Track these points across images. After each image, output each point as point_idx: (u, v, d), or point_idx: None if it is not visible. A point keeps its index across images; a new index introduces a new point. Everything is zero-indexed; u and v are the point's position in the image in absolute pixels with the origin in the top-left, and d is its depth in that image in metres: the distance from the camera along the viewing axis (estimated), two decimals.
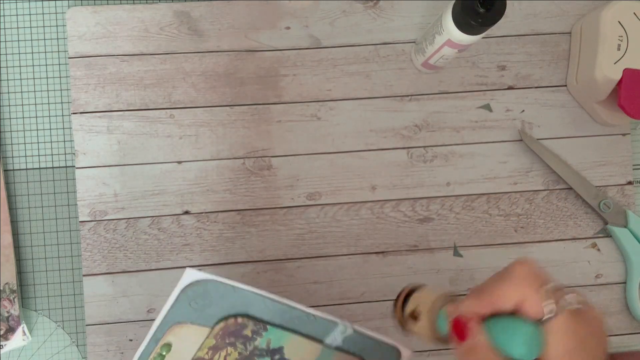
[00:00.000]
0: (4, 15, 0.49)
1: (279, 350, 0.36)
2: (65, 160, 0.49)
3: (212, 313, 0.36)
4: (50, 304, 0.48)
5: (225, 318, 0.36)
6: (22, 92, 0.48)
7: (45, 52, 0.49)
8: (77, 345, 0.48)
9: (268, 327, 0.36)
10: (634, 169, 0.51)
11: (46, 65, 0.49)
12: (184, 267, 0.47)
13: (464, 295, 0.35)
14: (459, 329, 0.33)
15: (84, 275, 0.47)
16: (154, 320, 0.47)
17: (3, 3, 0.49)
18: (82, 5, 0.49)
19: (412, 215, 0.49)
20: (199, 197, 0.48)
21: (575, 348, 0.31)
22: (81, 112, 0.48)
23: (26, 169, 0.48)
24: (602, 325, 0.33)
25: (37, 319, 0.48)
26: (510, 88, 0.50)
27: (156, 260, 0.48)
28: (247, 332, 0.36)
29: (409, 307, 0.38)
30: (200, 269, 0.35)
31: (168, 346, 0.36)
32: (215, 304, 0.36)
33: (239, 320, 0.36)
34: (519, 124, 0.50)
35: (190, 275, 0.35)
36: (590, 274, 0.50)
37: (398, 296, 0.39)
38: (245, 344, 0.36)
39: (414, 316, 0.37)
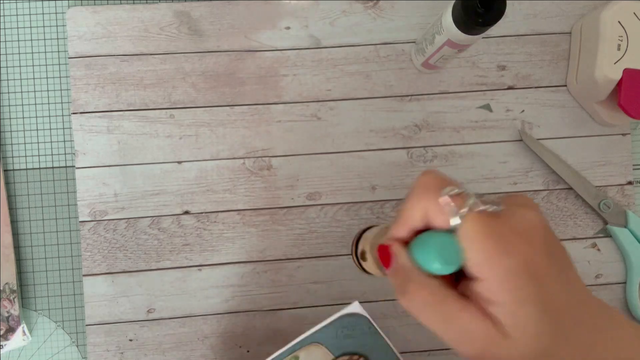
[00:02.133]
0: (4, 15, 0.49)
1: None
2: (65, 160, 0.49)
3: (345, 345, 0.38)
4: (50, 304, 0.48)
5: (351, 354, 0.38)
6: (22, 92, 0.48)
7: (45, 52, 0.49)
8: (77, 345, 0.48)
9: None
10: (634, 169, 0.51)
11: (46, 65, 0.49)
12: (184, 267, 0.48)
13: None
14: (383, 256, 0.32)
15: (84, 275, 0.47)
16: (154, 320, 0.47)
17: (3, 3, 0.49)
18: (82, 5, 0.49)
19: None
20: (199, 197, 0.48)
21: (496, 252, 0.28)
22: (81, 112, 0.48)
23: (26, 169, 0.48)
24: (535, 224, 0.29)
25: (37, 319, 0.48)
26: (510, 88, 0.50)
27: (156, 260, 0.48)
28: None
29: (360, 248, 0.38)
30: (361, 304, 0.39)
31: (296, 358, 0.38)
32: (352, 338, 0.38)
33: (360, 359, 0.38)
34: (519, 124, 0.50)
35: (355, 307, 0.39)
36: (590, 274, 0.50)
37: (352, 243, 0.39)
38: None
39: (363, 257, 0.37)
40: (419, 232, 0.31)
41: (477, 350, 0.29)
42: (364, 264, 0.37)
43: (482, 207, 0.28)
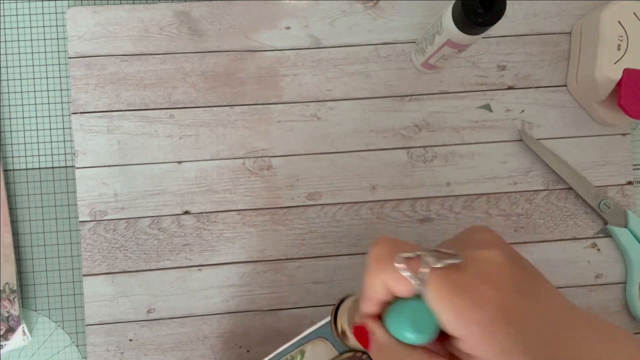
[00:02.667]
0: (4, 15, 0.49)
1: None
2: (65, 160, 0.49)
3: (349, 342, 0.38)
4: (50, 304, 0.48)
5: (355, 351, 0.38)
6: (22, 92, 0.48)
7: (45, 52, 0.49)
8: (77, 345, 0.48)
9: None
10: (634, 169, 0.51)
11: (46, 65, 0.49)
12: (184, 267, 0.48)
13: None
14: (361, 337, 0.31)
15: (84, 275, 0.47)
16: (154, 320, 0.47)
17: (3, 3, 0.49)
18: (82, 5, 0.49)
19: (412, 215, 0.49)
20: (199, 197, 0.48)
21: (466, 308, 0.27)
22: (81, 112, 0.48)
23: (26, 169, 0.48)
24: (497, 264, 0.28)
25: (37, 319, 0.48)
26: (510, 88, 0.50)
27: (156, 260, 0.48)
28: None
29: (338, 327, 0.38)
30: None
31: (302, 353, 0.38)
32: None
33: (363, 357, 0.38)
34: (519, 124, 0.50)
35: None
36: (590, 274, 0.50)
37: (330, 316, 0.38)
38: None
39: (344, 335, 0.37)
40: (390, 302, 0.30)
41: None
42: (347, 342, 0.36)
43: (440, 264, 0.27)
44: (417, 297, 0.28)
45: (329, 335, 0.38)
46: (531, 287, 0.29)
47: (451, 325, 0.27)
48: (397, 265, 0.28)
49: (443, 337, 0.29)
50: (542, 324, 0.28)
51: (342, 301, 0.37)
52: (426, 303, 0.28)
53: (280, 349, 0.39)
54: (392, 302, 0.30)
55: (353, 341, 0.36)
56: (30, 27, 0.49)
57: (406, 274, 0.28)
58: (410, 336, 0.29)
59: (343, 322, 0.36)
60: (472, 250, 0.29)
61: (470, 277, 0.27)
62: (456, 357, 0.29)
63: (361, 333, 0.31)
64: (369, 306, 0.30)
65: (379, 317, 0.31)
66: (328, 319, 0.38)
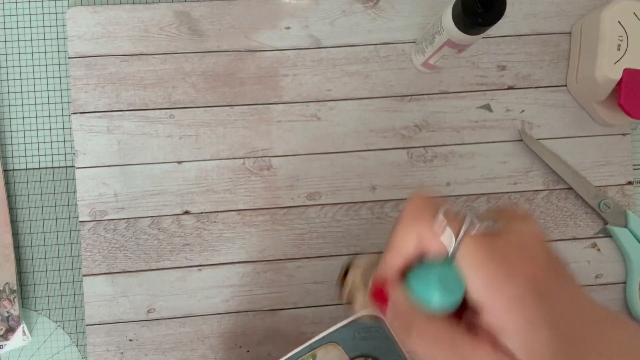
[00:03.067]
0: (4, 15, 0.49)
1: None
2: (65, 160, 0.49)
3: (360, 347, 0.38)
4: (50, 304, 0.48)
5: (366, 356, 0.38)
6: (22, 92, 0.48)
7: (45, 52, 0.49)
8: (77, 345, 0.48)
9: None
10: (634, 169, 0.51)
11: (46, 65, 0.49)
12: (184, 267, 0.48)
13: None
14: (378, 296, 0.30)
15: (84, 275, 0.47)
16: (154, 320, 0.47)
17: (3, 3, 0.49)
18: (82, 5, 0.49)
19: None
20: (199, 197, 0.48)
21: (499, 276, 0.26)
22: (81, 112, 0.48)
23: (26, 169, 0.48)
24: (534, 238, 0.27)
25: (37, 319, 0.48)
26: (510, 88, 0.50)
27: (156, 260, 0.48)
28: None
29: (345, 292, 0.36)
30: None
31: (314, 357, 0.38)
32: (368, 340, 0.38)
33: None
34: (519, 124, 0.50)
35: (372, 310, 0.38)
36: (590, 274, 0.50)
37: (338, 278, 0.36)
38: None
39: (351, 297, 0.35)
40: (408, 267, 0.29)
41: None
42: (353, 306, 0.35)
43: (479, 227, 0.27)
44: (445, 260, 0.27)
45: (341, 340, 0.38)
46: (562, 269, 0.28)
47: (479, 293, 0.26)
48: (439, 218, 0.27)
49: (461, 308, 0.29)
50: (570, 307, 0.27)
51: (350, 264, 0.36)
52: (455, 267, 0.27)
53: (292, 352, 0.39)
54: (416, 266, 0.29)
55: (359, 307, 0.35)
56: (30, 27, 0.49)
57: (446, 232, 0.27)
58: (437, 298, 0.27)
59: (356, 281, 0.34)
60: (509, 220, 0.28)
61: (507, 246, 0.27)
62: (474, 330, 0.27)
63: (379, 295, 0.30)
64: (396, 259, 0.29)
65: (399, 280, 0.29)
66: (340, 324, 0.37)
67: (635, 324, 0.30)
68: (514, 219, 0.28)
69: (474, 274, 0.26)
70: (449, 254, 0.27)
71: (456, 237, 0.27)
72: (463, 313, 0.29)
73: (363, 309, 0.35)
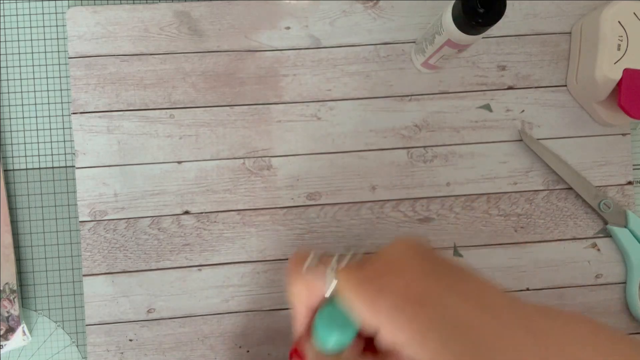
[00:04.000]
0: (4, 15, 0.49)
1: None
2: (65, 160, 0.49)
3: None
4: (50, 304, 0.48)
5: None
6: (22, 92, 0.48)
7: (45, 52, 0.49)
8: (77, 345, 0.48)
9: None
10: (634, 169, 0.51)
11: (46, 65, 0.49)
12: (184, 267, 0.48)
13: None
14: (295, 354, 0.33)
15: (84, 275, 0.47)
16: (154, 320, 0.47)
17: (3, 3, 0.49)
18: (82, 5, 0.49)
19: (412, 215, 0.49)
20: (199, 197, 0.48)
21: (372, 295, 0.28)
22: (81, 112, 0.48)
23: (26, 169, 0.48)
24: (402, 254, 0.29)
25: (37, 319, 0.48)
26: (510, 88, 0.50)
27: (156, 260, 0.48)
28: None
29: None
30: None
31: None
32: None
33: None
34: (519, 124, 0.50)
35: None
36: (590, 274, 0.50)
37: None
38: None
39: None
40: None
41: None
42: None
43: (345, 261, 0.29)
44: (330, 300, 0.30)
45: None
46: (446, 275, 0.29)
47: (365, 318, 0.28)
48: (307, 266, 0.30)
49: (371, 338, 0.31)
50: (462, 309, 0.28)
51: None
52: (341, 303, 0.30)
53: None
54: (317, 315, 0.31)
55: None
56: (30, 27, 0.49)
57: (315, 277, 0.30)
58: (333, 338, 0.30)
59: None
60: (383, 251, 0.30)
61: (374, 269, 0.29)
62: (383, 354, 0.29)
63: (296, 353, 0.33)
64: (299, 317, 0.32)
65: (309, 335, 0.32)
66: None
67: (537, 311, 0.29)
68: (388, 246, 0.31)
69: (354, 302, 0.28)
70: (327, 293, 0.30)
71: (326, 278, 0.30)
72: (373, 342, 0.31)
73: None
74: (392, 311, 0.27)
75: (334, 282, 0.29)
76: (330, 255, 0.31)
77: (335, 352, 0.30)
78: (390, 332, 0.27)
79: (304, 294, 0.31)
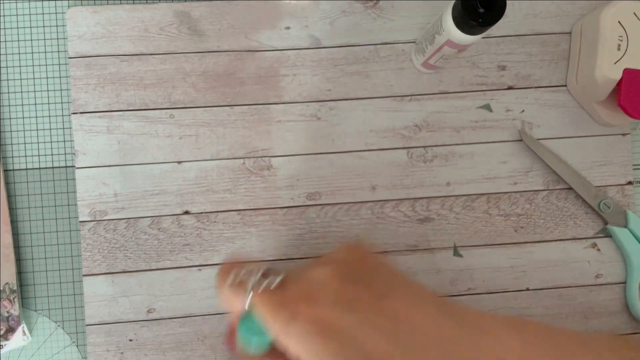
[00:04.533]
0: (4, 15, 0.49)
1: None
2: (65, 160, 0.49)
3: None
4: (50, 304, 0.48)
5: None
6: (22, 92, 0.48)
7: (45, 52, 0.49)
8: (77, 345, 0.48)
9: None
10: (634, 169, 0.51)
11: (46, 65, 0.49)
12: (184, 267, 0.48)
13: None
14: (229, 341, 0.36)
15: (84, 275, 0.47)
16: (154, 320, 0.47)
17: (3, 3, 0.49)
18: (82, 5, 0.49)
19: (412, 215, 0.49)
20: (199, 197, 0.48)
21: (284, 321, 0.30)
22: (81, 112, 0.48)
23: (26, 169, 0.48)
24: (320, 281, 0.31)
25: (37, 319, 0.48)
26: (510, 88, 0.50)
27: (156, 260, 0.48)
28: None
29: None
30: None
31: None
32: None
33: None
34: (519, 124, 0.50)
35: None
36: (590, 274, 0.50)
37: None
38: None
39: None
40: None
41: None
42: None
43: (263, 285, 0.31)
44: (249, 313, 0.32)
45: None
46: (366, 304, 0.31)
47: (277, 337, 0.31)
48: (226, 290, 0.32)
49: None
50: (378, 338, 0.30)
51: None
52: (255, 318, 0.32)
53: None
54: (241, 318, 0.34)
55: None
56: (30, 27, 0.49)
57: (234, 294, 0.32)
58: (253, 341, 0.32)
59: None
60: (307, 270, 0.33)
61: (289, 295, 0.31)
62: None
63: (230, 341, 0.36)
64: (229, 321, 0.35)
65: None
66: None
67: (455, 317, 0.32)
68: (314, 266, 0.33)
69: (267, 323, 0.31)
70: (245, 309, 0.32)
71: (246, 298, 0.32)
72: None
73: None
74: (300, 338, 0.29)
75: (250, 302, 0.32)
76: (252, 272, 0.33)
77: (256, 354, 0.33)
78: (296, 355, 0.30)
79: (227, 304, 0.33)
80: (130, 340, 0.47)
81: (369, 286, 0.32)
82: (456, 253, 0.49)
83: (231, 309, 0.34)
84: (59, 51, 0.49)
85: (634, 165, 0.51)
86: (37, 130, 0.48)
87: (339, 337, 0.29)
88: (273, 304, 0.31)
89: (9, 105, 0.48)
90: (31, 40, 0.49)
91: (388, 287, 0.32)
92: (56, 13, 0.49)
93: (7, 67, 0.48)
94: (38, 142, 0.48)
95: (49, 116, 0.49)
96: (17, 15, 0.49)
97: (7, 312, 0.46)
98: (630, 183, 0.50)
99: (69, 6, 0.49)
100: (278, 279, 0.32)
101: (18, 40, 0.49)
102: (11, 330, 0.46)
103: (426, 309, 0.32)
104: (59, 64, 0.49)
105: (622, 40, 0.46)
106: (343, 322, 0.30)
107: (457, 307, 0.33)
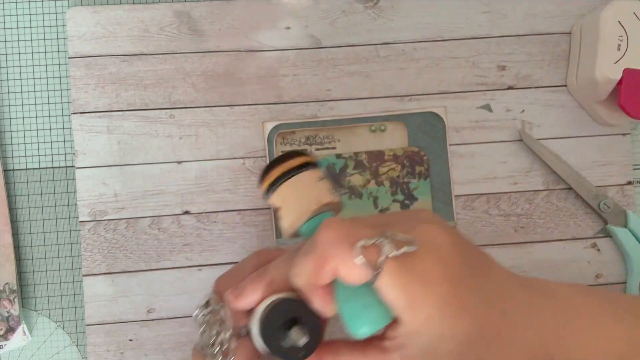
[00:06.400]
0: (4, 15, 0.49)
1: None
2: (65, 160, 0.49)
3: (418, 138, 0.47)
4: (50, 304, 0.48)
5: (419, 148, 0.47)
6: (22, 92, 0.48)
7: (45, 52, 0.49)
8: (77, 345, 0.48)
9: None
10: (634, 169, 0.51)
11: (46, 65, 0.49)
12: (184, 267, 0.48)
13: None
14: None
15: (84, 275, 0.47)
16: (154, 320, 0.47)
17: (3, 3, 0.49)
18: (82, 5, 0.49)
19: None
20: (199, 197, 0.48)
21: (416, 296, 0.27)
22: (81, 112, 0.48)
23: (26, 169, 0.48)
24: (447, 248, 0.29)
25: (37, 319, 0.48)
26: (510, 88, 0.50)
27: (156, 260, 0.48)
28: None
29: (273, 199, 0.35)
30: None
31: (385, 127, 0.48)
32: (428, 135, 0.48)
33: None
34: (519, 124, 0.50)
35: (441, 111, 0.48)
36: (590, 274, 0.50)
37: (266, 171, 0.36)
38: None
39: (277, 210, 0.35)
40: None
41: None
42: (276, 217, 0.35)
43: (397, 252, 0.27)
44: (365, 289, 0.28)
45: (409, 125, 0.46)
46: (481, 268, 0.30)
47: (400, 313, 0.28)
48: (357, 257, 0.28)
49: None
50: (492, 303, 0.29)
51: (286, 173, 0.35)
52: (375, 294, 0.28)
53: (368, 115, 0.46)
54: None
55: (286, 225, 0.35)
56: (30, 27, 0.49)
57: (362, 263, 0.27)
58: (363, 330, 0.29)
59: (283, 206, 0.34)
60: (418, 229, 0.29)
61: (423, 266, 0.28)
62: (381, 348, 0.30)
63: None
64: (311, 282, 0.29)
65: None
66: (416, 110, 0.42)
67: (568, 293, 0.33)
68: (420, 224, 0.30)
69: (396, 298, 0.28)
70: (370, 282, 0.28)
71: (374, 266, 0.27)
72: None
73: (289, 229, 0.35)
74: (434, 308, 0.27)
75: (380, 270, 0.27)
76: (380, 241, 0.28)
77: (366, 333, 0.29)
78: (418, 329, 0.28)
79: (335, 270, 0.28)
80: (130, 340, 0.47)
81: (475, 252, 0.31)
82: None
83: (331, 278, 0.29)
84: (59, 51, 0.49)
85: (634, 165, 0.51)
86: (37, 130, 0.48)
87: (466, 305, 0.28)
88: (409, 276, 0.27)
89: (9, 105, 0.48)
90: (31, 40, 0.49)
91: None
92: (56, 13, 0.49)
93: (7, 67, 0.48)
94: (38, 142, 0.48)
95: (49, 116, 0.49)
96: (17, 15, 0.49)
97: (7, 312, 0.46)
98: (630, 183, 0.50)
99: (69, 6, 0.49)
100: (414, 247, 0.28)
101: (18, 40, 0.49)
102: (11, 330, 0.46)
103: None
104: (59, 64, 0.49)
105: (622, 40, 0.46)
106: (471, 287, 0.28)
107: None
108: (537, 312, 0.30)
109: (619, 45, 0.46)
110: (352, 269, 0.28)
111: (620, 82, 0.45)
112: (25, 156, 0.48)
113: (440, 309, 0.27)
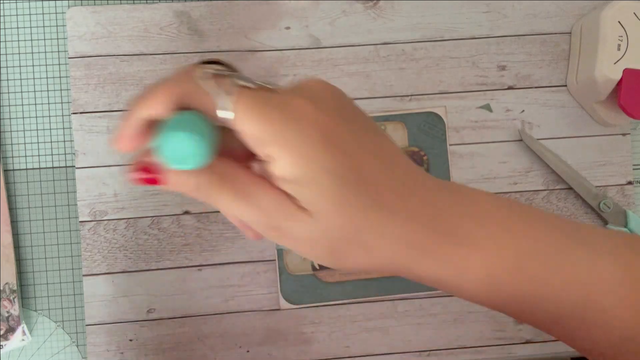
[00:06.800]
0: (4, 15, 0.49)
1: None
2: (65, 160, 0.49)
3: (419, 138, 0.47)
4: (50, 304, 0.48)
5: (419, 148, 0.46)
6: (22, 92, 0.48)
7: (45, 52, 0.49)
8: (77, 345, 0.48)
9: None
10: (634, 169, 0.51)
11: (46, 65, 0.49)
12: (184, 267, 0.48)
13: None
14: (149, 181, 0.27)
15: (84, 275, 0.47)
16: (154, 320, 0.47)
17: (3, 3, 0.49)
18: (82, 5, 0.49)
19: None
20: None
21: (282, 124, 0.24)
22: (81, 112, 0.48)
23: (26, 169, 0.48)
24: (325, 89, 0.26)
25: (37, 319, 0.48)
26: (510, 88, 0.50)
27: (156, 260, 0.48)
28: None
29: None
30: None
31: (385, 127, 0.48)
32: (428, 135, 0.47)
33: None
34: (519, 124, 0.50)
35: (442, 112, 0.48)
36: None
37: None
38: None
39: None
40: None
41: (274, 228, 0.26)
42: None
43: (252, 84, 0.25)
44: (195, 114, 0.26)
45: (408, 125, 0.45)
46: (362, 122, 0.27)
47: (262, 142, 0.25)
48: (202, 77, 0.25)
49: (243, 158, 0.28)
50: (368, 159, 0.26)
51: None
52: (202, 118, 0.25)
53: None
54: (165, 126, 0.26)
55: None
56: (30, 27, 0.49)
57: (214, 87, 0.25)
58: (174, 159, 0.25)
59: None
60: (299, 84, 0.27)
61: (289, 95, 0.25)
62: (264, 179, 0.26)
63: (147, 172, 0.27)
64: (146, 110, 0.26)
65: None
66: (414, 111, 0.40)
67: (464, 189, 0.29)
68: (297, 84, 0.27)
69: (255, 123, 0.25)
70: (220, 109, 0.25)
71: (226, 91, 0.25)
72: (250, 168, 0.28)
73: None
74: (297, 146, 0.24)
75: (232, 97, 0.25)
76: (235, 73, 0.26)
77: (189, 165, 0.26)
78: (289, 165, 0.25)
79: (180, 96, 0.26)
80: (130, 340, 0.47)
81: (356, 109, 0.28)
82: None
83: (174, 107, 0.26)
84: (59, 51, 0.49)
85: (634, 165, 0.51)
86: (37, 130, 0.48)
87: (343, 148, 0.25)
88: (271, 101, 0.25)
89: (9, 105, 0.48)
90: (31, 40, 0.49)
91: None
92: (56, 13, 0.49)
93: (7, 67, 0.48)
94: (38, 142, 0.48)
95: (49, 116, 0.49)
96: (17, 15, 0.49)
97: (7, 312, 0.46)
98: (630, 183, 0.50)
99: (69, 6, 0.49)
100: (275, 85, 0.26)
101: (18, 40, 0.49)
102: (11, 330, 0.46)
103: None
104: (59, 64, 0.49)
105: (622, 40, 0.46)
106: (345, 134, 0.25)
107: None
108: (422, 177, 0.28)
109: (619, 45, 0.46)
110: (197, 92, 0.26)
111: (620, 82, 0.45)
112: (25, 156, 0.48)
113: (304, 151, 0.25)
